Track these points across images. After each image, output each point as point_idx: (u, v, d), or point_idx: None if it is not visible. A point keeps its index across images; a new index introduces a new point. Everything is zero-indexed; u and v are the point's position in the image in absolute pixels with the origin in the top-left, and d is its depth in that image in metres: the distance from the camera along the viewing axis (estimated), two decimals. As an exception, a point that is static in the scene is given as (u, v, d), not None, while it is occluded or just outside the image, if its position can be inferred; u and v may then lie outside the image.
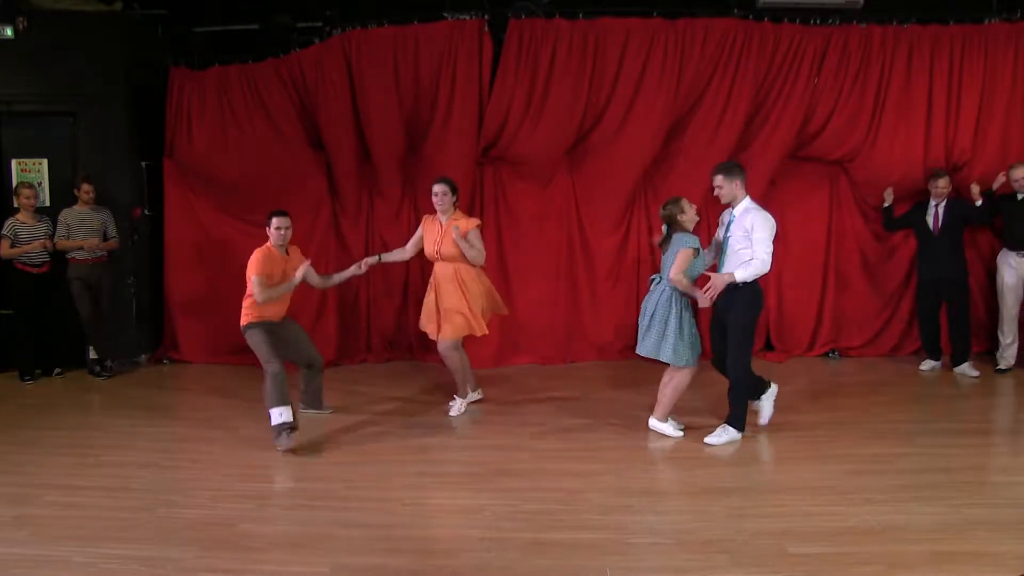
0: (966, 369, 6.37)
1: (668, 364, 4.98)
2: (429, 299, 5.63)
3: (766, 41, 6.71)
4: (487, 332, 5.66)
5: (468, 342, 7.13)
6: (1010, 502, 3.87)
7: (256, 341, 5.09)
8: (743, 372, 4.89)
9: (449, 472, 4.50)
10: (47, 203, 6.96)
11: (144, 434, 5.28)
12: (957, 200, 6.53)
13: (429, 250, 5.56)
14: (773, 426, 5.17)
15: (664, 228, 4.98)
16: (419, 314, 7.36)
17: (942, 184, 6.39)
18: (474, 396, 5.87)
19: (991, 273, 6.85)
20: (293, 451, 4.82)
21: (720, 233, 5.05)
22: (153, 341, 7.56)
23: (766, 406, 5.18)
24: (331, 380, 6.12)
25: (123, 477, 4.46)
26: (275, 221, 5.23)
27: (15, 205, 6.68)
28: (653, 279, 5.07)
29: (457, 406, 5.67)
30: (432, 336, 5.67)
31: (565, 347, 7.25)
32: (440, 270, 5.52)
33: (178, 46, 7.36)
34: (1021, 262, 6.30)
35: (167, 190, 7.33)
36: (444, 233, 5.46)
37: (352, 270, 5.63)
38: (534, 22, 6.74)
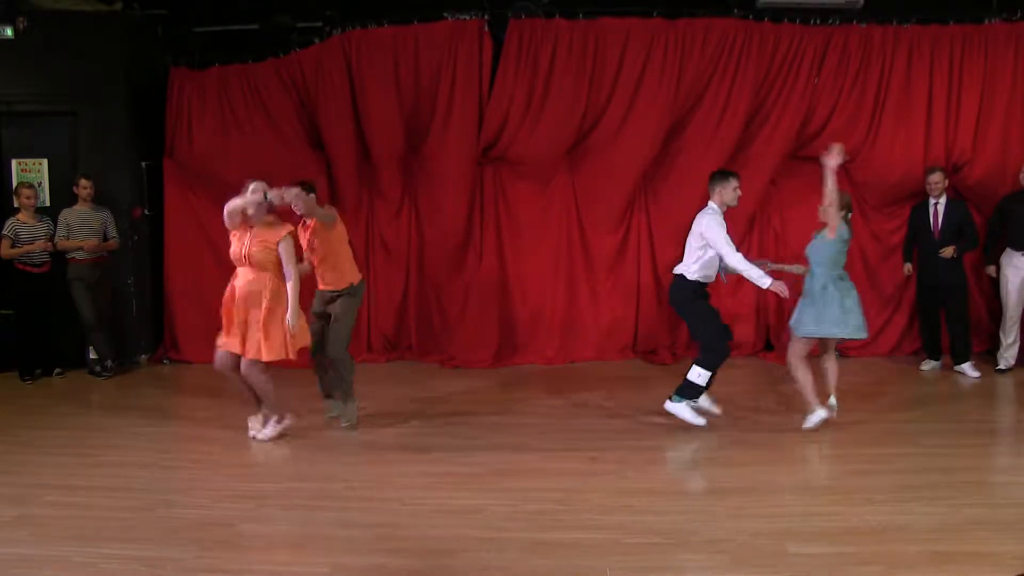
0: (966, 369, 6.36)
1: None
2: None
3: (766, 41, 6.71)
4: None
5: (463, 344, 7.15)
6: (1010, 502, 3.86)
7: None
8: None
9: (449, 472, 4.49)
10: (47, 203, 6.96)
11: (144, 434, 5.27)
12: (959, 202, 6.52)
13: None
14: (773, 426, 5.17)
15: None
16: (418, 315, 7.44)
17: (935, 179, 6.36)
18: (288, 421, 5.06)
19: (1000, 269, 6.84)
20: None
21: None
22: (153, 341, 7.56)
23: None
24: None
25: (123, 477, 4.46)
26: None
27: (15, 205, 6.68)
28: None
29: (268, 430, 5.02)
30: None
31: (565, 347, 7.24)
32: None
33: (178, 46, 7.36)
34: None
35: (167, 190, 7.34)
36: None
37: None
38: (534, 22, 6.74)
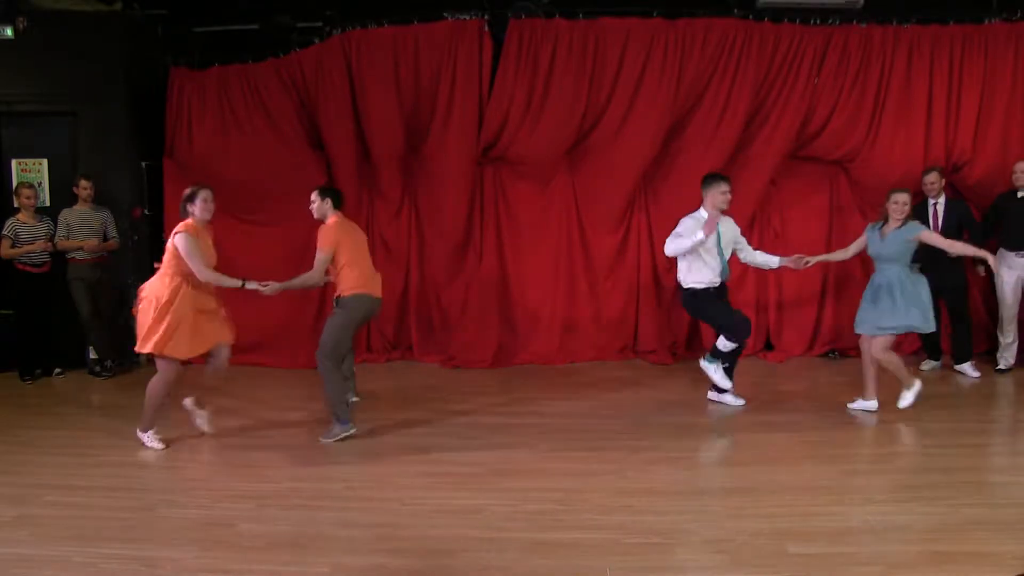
0: (966, 369, 6.36)
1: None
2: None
3: (766, 41, 6.71)
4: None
5: (462, 346, 7.13)
6: (1010, 502, 3.86)
7: None
8: None
9: (449, 472, 4.49)
10: (47, 203, 6.97)
11: (144, 434, 5.27)
12: (958, 201, 6.51)
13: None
14: (773, 426, 5.17)
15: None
16: (418, 315, 7.44)
17: (930, 180, 6.35)
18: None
19: (992, 273, 6.85)
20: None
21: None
22: (153, 341, 7.55)
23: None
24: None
25: (123, 477, 4.46)
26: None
27: (15, 205, 6.68)
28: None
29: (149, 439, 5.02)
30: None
31: (564, 347, 7.23)
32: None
33: (178, 46, 7.35)
34: (1018, 262, 6.29)
35: (167, 190, 7.32)
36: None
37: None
38: (534, 22, 6.74)
